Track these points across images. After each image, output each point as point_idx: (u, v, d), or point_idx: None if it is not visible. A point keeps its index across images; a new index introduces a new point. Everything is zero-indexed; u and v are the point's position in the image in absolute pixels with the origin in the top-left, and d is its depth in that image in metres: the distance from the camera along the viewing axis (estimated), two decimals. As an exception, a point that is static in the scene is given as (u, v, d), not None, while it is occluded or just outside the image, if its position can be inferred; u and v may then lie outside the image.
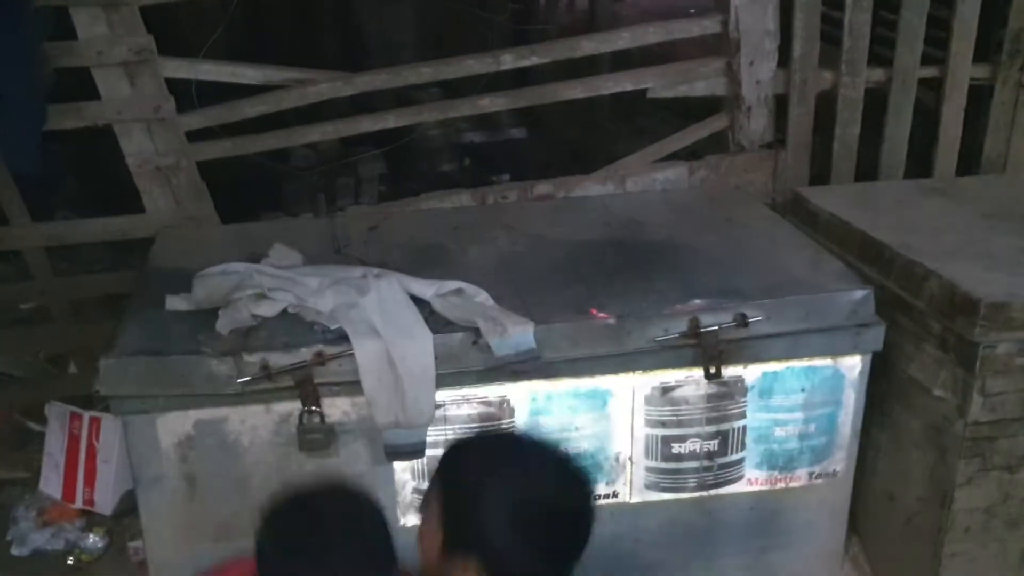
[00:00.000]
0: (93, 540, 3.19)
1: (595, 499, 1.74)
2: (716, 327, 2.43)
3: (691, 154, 3.63)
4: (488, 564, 1.62)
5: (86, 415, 3.29)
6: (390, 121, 3.45)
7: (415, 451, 2.41)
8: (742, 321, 2.43)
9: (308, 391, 2.30)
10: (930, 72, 3.53)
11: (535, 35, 5.34)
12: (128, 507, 3.08)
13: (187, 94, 3.23)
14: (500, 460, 1.71)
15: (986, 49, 3.60)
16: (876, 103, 3.56)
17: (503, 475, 1.66)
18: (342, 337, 2.30)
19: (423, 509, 1.76)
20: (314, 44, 6.11)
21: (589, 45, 3.41)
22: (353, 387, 2.30)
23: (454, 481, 1.69)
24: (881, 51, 3.59)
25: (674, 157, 3.59)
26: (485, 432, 2.38)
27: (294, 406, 2.32)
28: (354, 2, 6.25)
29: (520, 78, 4.00)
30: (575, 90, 3.50)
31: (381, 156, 4.79)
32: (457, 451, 1.79)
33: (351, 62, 3.96)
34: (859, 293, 2.52)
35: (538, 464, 1.72)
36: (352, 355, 2.28)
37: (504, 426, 2.46)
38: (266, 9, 6.07)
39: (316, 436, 2.35)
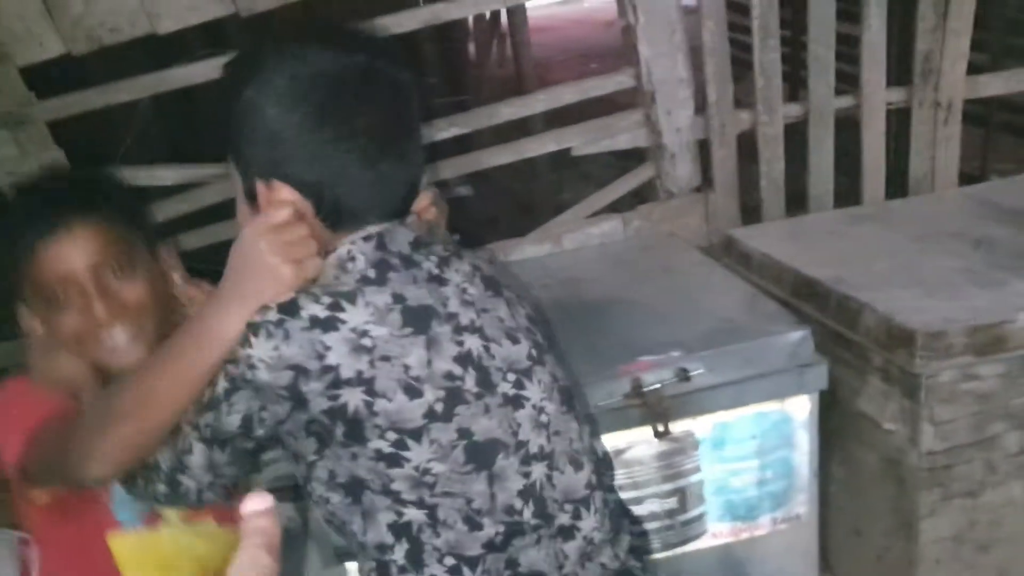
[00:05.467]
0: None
1: (401, 66, 1.46)
2: (659, 385, 2.40)
3: (636, 197, 3.59)
4: (289, 173, 1.39)
5: None
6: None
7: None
8: (684, 376, 2.40)
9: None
10: (846, 102, 3.56)
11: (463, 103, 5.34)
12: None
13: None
14: (274, 51, 1.41)
15: (905, 72, 3.65)
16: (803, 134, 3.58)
17: (275, 61, 1.39)
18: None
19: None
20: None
21: (507, 111, 3.40)
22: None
23: (230, 94, 1.45)
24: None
25: (614, 208, 3.57)
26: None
27: (236, 516, 2.24)
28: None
29: (459, 142, 3.98)
30: (503, 155, 3.49)
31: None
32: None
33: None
34: (797, 334, 2.49)
35: (319, 39, 1.42)
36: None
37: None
38: (199, 101, 6.03)
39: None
